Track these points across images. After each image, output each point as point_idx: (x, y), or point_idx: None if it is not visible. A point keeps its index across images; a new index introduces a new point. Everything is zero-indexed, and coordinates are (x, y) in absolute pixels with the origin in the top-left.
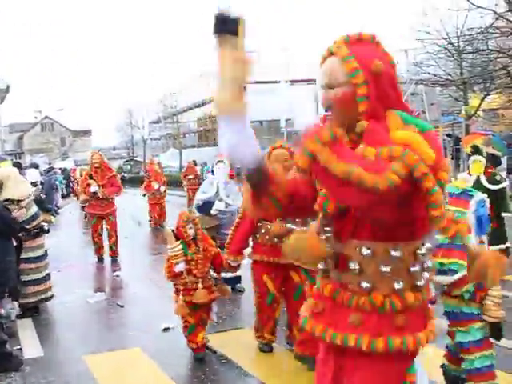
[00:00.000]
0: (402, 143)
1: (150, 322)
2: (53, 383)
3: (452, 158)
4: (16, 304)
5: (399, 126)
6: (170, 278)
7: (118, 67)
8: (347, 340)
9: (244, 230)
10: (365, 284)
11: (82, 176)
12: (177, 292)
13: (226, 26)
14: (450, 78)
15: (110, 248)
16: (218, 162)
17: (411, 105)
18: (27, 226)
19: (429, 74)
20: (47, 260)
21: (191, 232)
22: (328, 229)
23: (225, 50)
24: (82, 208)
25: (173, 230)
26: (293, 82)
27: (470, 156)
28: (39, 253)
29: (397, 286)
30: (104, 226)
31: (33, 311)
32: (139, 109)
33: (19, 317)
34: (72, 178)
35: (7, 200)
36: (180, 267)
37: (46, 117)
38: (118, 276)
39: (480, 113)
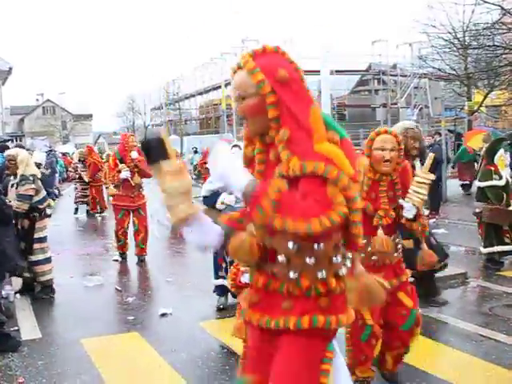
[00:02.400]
0: (325, 157)
1: (148, 307)
2: (50, 365)
3: (454, 153)
4: (16, 283)
5: (322, 133)
6: (233, 288)
7: (121, 53)
8: (278, 323)
9: None
10: (292, 274)
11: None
12: (238, 308)
13: (156, 156)
14: (454, 72)
15: (138, 245)
16: (234, 146)
17: (414, 98)
18: (40, 206)
19: (433, 68)
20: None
21: None
22: None
23: (163, 175)
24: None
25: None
26: None
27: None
28: (44, 234)
29: (320, 275)
30: (131, 220)
31: (49, 290)
32: (141, 95)
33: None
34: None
35: (33, 175)
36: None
37: (47, 100)
38: (116, 260)
39: (483, 109)
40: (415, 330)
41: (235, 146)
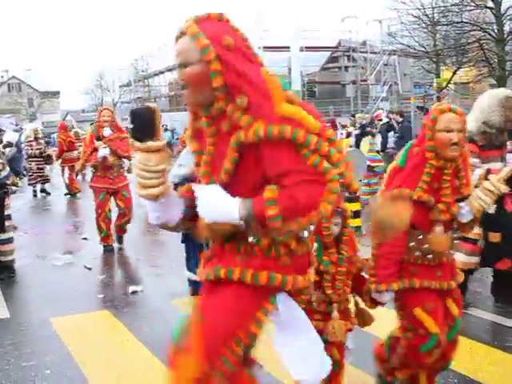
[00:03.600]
0: (288, 117)
1: (118, 285)
2: (19, 345)
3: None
4: None
5: (281, 94)
6: None
7: (89, 28)
8: (231, 272)
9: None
10: (251, 238)
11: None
12: None
13: (145, 131)
14: (423, 49)
15: (120, 226)
16: None
17: (384, 75)
18: (8, 182)
19: (402, 44)
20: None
21: (335, 230)
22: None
23: (149, 154)
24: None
25: None
26: (266, 48)
27: None
28: (8, 212)
29: (280, 238)
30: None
31: (10, 271)
32: (110, 71)
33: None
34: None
35: None
36: None
37: (13, 77)
38: (85, 238)
39: (451, 86)
40: (457, 342)
41: None
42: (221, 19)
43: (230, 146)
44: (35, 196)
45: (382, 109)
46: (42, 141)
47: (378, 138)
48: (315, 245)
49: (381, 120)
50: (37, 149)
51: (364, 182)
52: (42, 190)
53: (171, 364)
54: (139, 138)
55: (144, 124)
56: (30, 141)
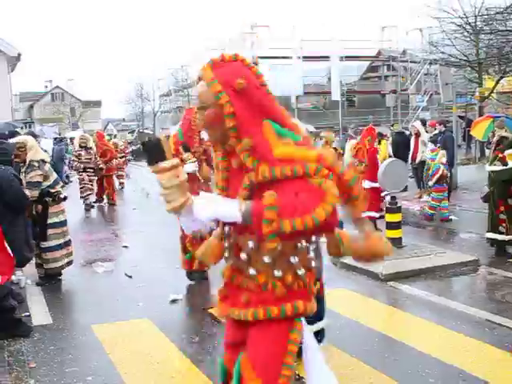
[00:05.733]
0: (287, 158)
1: (158, 293)
2: (61, 350)
3: (463, 140)
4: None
5: (275, 140)
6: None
7: (130, 38)
8: (240, 316)
9: None
10: (251, 271)
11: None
12: None
13: (156, 157)
14: (465, 58)
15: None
16: None
17: (425, 85)
18: (52, 190)
19: (444, 53)
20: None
21: None
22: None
23: (161, 171)
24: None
25: None
26: (306, 58)
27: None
28: (63, 218)
29: (277, 273)
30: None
31: (57, 276)
32: (150, 81)
33: (40, 284)
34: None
35: (38, 161)
36: None
37: (56, 86)
38: (126, 247)
39: (494, 95)
40: None
41: None
42: (236, 59)
43: (243, 186)
44: (87, 210)
45: (420, 119)
46: (92, 150)
47: (431, 147)
48: None
49: (435, 128)
50: (86, 159)
51: (438, 196)
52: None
53: None
54: (151, 163)
55: (153, 152)
56: (78, 151)
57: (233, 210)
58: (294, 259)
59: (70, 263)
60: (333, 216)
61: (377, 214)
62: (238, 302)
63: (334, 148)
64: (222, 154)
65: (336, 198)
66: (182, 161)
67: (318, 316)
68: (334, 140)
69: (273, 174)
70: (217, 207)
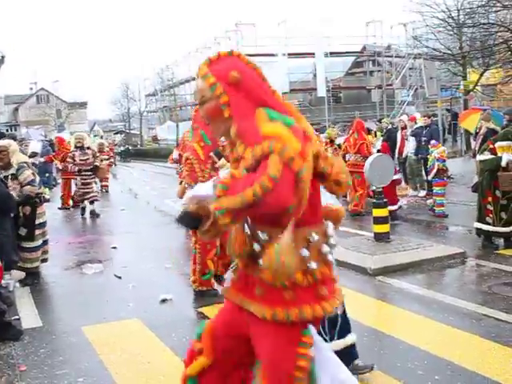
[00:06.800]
0: (271, 136)
1: (148, 294)
2: (52, 353)
3: (449, 133)
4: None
5: (266, 122)
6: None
7: (114, 39)
8: (250, 308)
9: None
10: (261, 262)
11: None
12: None
13: (192, 226)
14: (449, 52)
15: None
16: None
17: (410, 79)
18: (39, 190)
19: (428, 48)
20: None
21: None
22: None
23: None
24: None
25: None
26: (291, 55)
27: (468, 132)
28: (45, 218)
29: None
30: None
31: (34, 278)
32: (136, 81)
33: (21, 283)
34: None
35: (26, 162)
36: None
37: (41, 88)
38: (115, 247)
39: (478, 88)
40: None
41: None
42: (231, 55)
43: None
44: (82, 215)
45: (406, 113)
46: (89, 150)
47: (412, 142)
48: None
49: (416, 122)
50: (81, 160)
51: (441, 190)
52: (92, 212)
53: None
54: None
55: (190, 224)
56: (72, 151)
57: (209, 186)
58: (303, 252)
59: (44, 260)
60: (277, 194)
61: (395, 207)
62: (247, 291)
63: (338, 145)
64: (229, 146)
65: (278, 172)
66: (215, 168)
67: (346, 330)
68: (336, 136)
69: (255, 156)
70: (201, 187)
